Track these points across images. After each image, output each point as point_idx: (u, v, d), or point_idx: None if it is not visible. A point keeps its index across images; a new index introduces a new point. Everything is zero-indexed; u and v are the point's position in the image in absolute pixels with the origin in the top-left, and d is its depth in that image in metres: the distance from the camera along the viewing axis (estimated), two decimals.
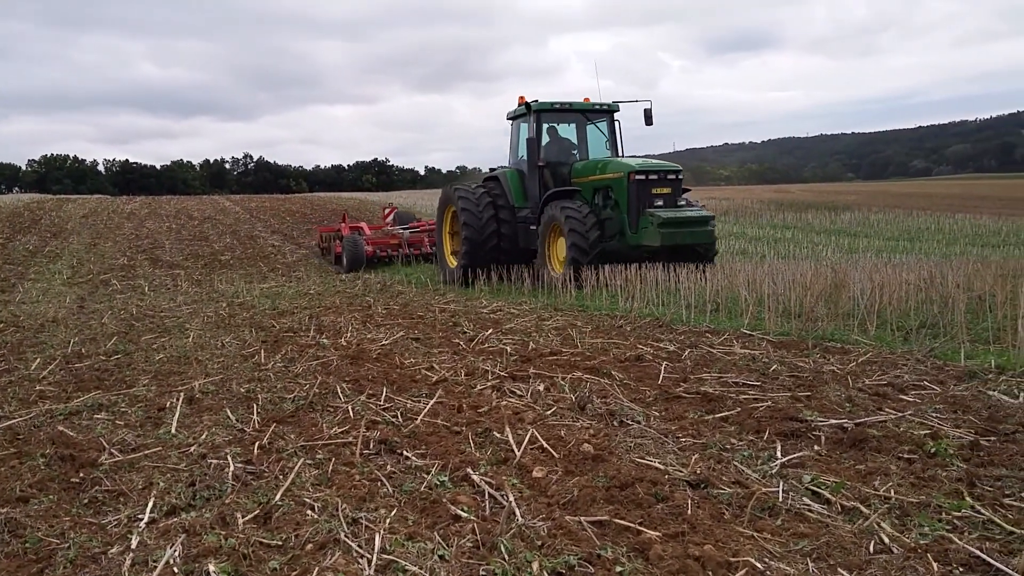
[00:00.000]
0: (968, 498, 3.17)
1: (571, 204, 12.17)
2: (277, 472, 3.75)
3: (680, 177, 12.53)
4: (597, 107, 13.74)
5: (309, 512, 3.19)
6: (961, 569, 2.60)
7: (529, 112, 13.33)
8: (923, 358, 5.79)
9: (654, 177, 12.18)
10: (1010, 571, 2.53)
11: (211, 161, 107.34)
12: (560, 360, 6.38)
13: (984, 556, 2.64)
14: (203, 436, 4.45)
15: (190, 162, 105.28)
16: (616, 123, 13.89)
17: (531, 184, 13.36)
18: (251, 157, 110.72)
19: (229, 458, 3.95)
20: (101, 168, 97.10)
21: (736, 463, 3.71)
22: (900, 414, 4.37)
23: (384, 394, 5.28)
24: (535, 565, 2.64)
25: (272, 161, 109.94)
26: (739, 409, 4.64)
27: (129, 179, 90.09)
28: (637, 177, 12.05)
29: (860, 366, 5.66)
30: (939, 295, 7.72)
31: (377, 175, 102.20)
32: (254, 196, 44.39)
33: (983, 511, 3.04)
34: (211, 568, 2.68)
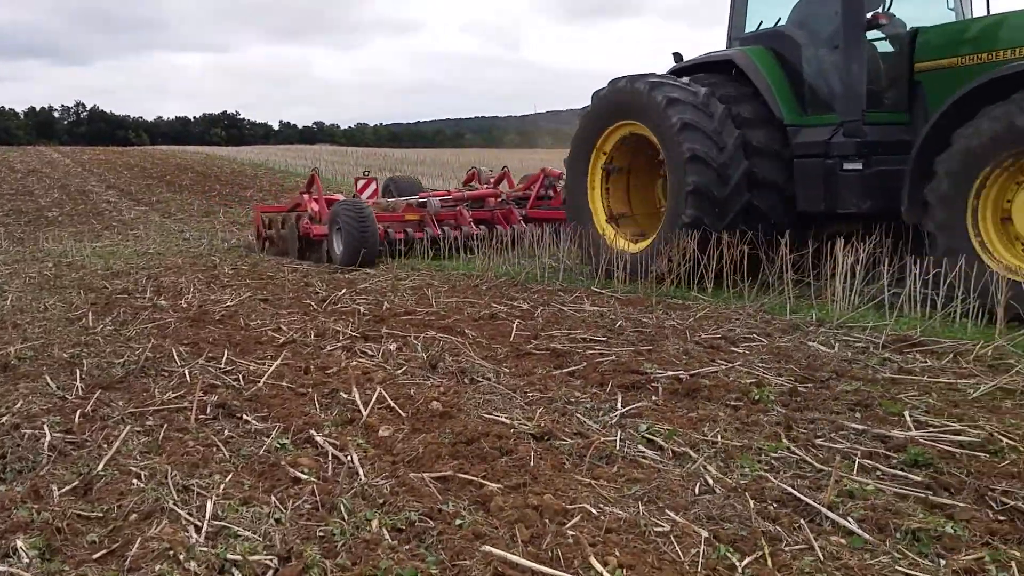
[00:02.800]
0: (785, 440, 3.42)
1: None
2: (100, 441, 3.50)
3: None
4: None
5: (135, 481, 3.01)
6: (775, 505, 2.81)
7: None
8: (754, 313, 6.18)
9: None
10: (816, 504, 2.75)
11: (38, 109, 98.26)
12: (414, 319, 6.34)
13: (795, 492, 2.86)
14: (17, 405, 4.09)
15: (13, 109, 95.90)
16: None
17: (854, 70, 6.81)
18: (84, 106, 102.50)
19: (46, 428, 3.65)
20: None
21: (579, 415, 3.83)
22: (730, 365, 4.65)
23: (225, 357, 5.05)
24: (375, 523, 2.62)
25: (108, 111, 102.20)
26: (585, 364, 4.79)
27: None
28: None
29: (698, 321, 5.97)
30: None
31: (227, 129, 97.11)
32: (87, 148, 41.07)
33: (797, 451, 3.29)
34: (19, 544, 2.47)
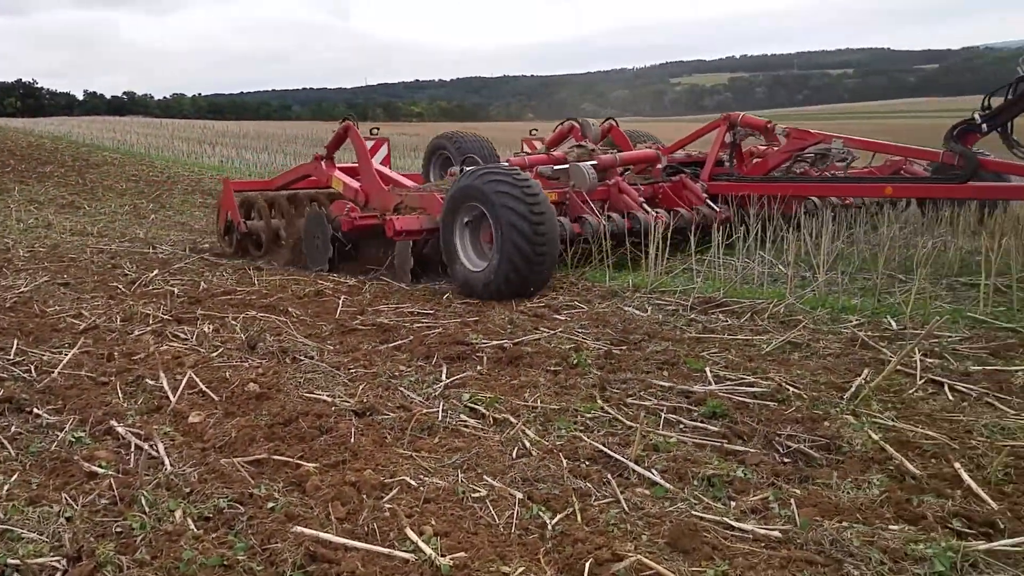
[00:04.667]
0: (599, 400, 3.58)
1: None
2: None
3: None
4: None
5: None
6: (587, 462, 2.93)
7: None
8: (576, 281, 6.39)
9: None
10: (624, 459, 2.90)
11: None
12: (234, 299, 6.05)
13: (605, 449, 3.00)
14: None
15: None
16: None
17: None
18: None
19: None
20: None
21: (403, 389, 3.81)
22: (553, 332, 4.79)
23: (15, 347, 4.58)
24: (178, 513, 2.48)
25: None
26: (412, 337, 4.77)
27: None
28: None
29: None
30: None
31: (22, 99, 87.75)
32: None
33: (610, 411, 3.45)
34: None
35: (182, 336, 4.92)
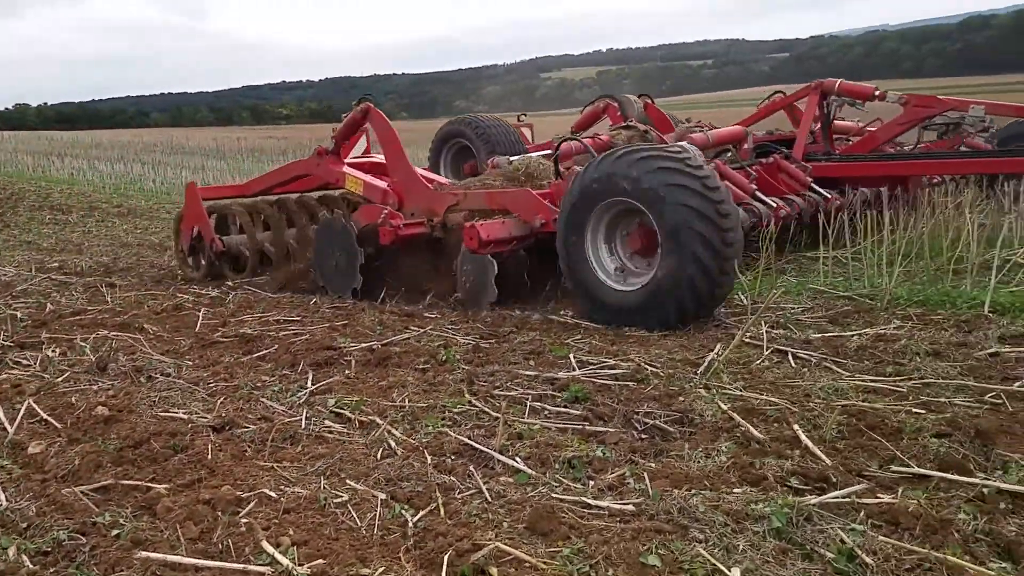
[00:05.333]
0: (467, 395, 3.59)
1: None
2: None
3: None
4: None
5: None
6: (453, 457, 2.94)
7: None
8: None
9: None
10: (489, 450, 2.93)
11: None
12: (84, 320, 5.68)
13: (471, 442, 3.02)
14: None
15: None
16: None
17: None
18: None
19: None
20: None
21: (265, 399, 3.70)
22: (422, 330, 4.78)
23: None
24: (12, 550, 2.32)
25: None
26: (277, 346, 4.64)
27: None
28: None
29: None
30: None
31: None
32: None
33: (478, 404, 3.47)
34: None
35: (24, 363, 4.59)
